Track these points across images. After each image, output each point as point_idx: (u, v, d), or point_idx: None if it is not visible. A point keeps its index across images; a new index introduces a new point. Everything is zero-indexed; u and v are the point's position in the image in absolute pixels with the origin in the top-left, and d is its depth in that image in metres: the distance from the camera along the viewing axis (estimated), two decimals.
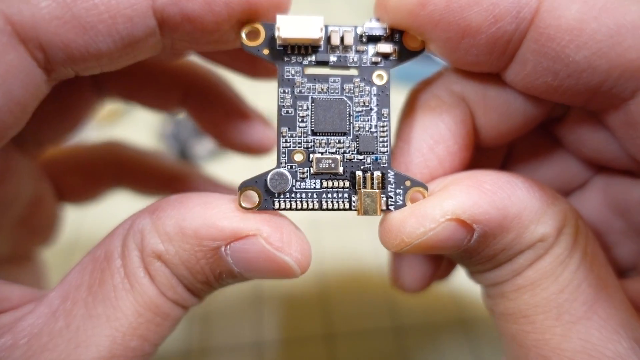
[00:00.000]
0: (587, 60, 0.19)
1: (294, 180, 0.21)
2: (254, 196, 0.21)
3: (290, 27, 0.21)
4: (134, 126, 0.61)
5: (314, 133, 0.22)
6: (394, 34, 0.22)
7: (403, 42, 0.22)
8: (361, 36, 0.22)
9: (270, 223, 0.20)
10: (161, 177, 0.36)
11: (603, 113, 0.21)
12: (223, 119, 0.32)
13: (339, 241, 0.47)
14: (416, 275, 0.29)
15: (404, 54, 0.22)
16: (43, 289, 0.33)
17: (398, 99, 0.24)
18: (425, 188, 0.21)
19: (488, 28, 0.19)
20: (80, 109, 0.31)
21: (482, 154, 0.26)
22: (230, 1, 0.20)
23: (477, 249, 0.20)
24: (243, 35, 0.21)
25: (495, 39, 0.20)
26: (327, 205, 0.21)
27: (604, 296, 0.20)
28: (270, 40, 0.21)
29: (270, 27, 0.21)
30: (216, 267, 0.20)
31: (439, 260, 0.29)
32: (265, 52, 0.22)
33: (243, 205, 0.21)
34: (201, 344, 0.39)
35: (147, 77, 0.31)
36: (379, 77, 0.22)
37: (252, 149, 0.33)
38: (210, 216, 0.20)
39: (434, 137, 0.23)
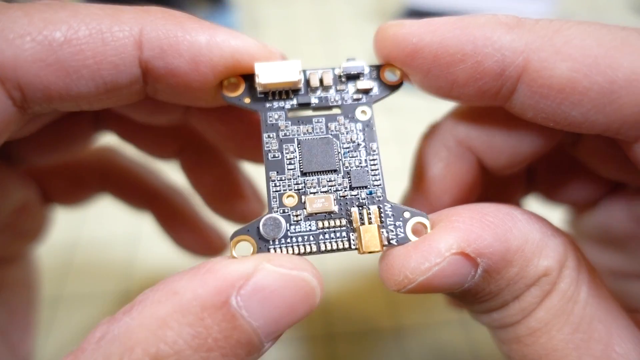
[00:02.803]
0: (583, 116, 0.19)
1: (287, 225, 0.20)
2: (247, 246, 0.20)
3: (269, 72, 0.21)
4: None
5: (303, 174, 0.21)
6: (372, 71, 0.22)
7: (381, 79, 0.22)
8: (340, 76, 0.22)
9: (269, 254, 0.19)
10: (145, 192, 0.34)
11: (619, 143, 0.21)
12: (212, 182, 0.32)
13: None
14: None
15: (384, 88, 0.22)
16: (34, 285, 0.34)
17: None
18: (426, 217, 0.20)
19: (475, 82, 0.20)
20: (76, 140, 0.31)
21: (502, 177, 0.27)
22: (216, 63, 0.20)
23: (481, 284, 0.19)
24: (223, 87, 0.22)
25: (482, 92, 0.20)
26: (326, 246, 0.20)
27: (616, 330, 0.19)
28: (250, 89, 0.22)
29: (249, 77, 0.22)
30: (232, 332, 0.17)
31: None
32: (247, 100, 0.22)
33: (236, 257, 0.19)
34: None
35: (147, 124, 0.30)
36: (363, 113, 0.22)
37: (235, 219, 0.33)
38: (207, 271, 0.17)
39: (442, 188, 0.25)
